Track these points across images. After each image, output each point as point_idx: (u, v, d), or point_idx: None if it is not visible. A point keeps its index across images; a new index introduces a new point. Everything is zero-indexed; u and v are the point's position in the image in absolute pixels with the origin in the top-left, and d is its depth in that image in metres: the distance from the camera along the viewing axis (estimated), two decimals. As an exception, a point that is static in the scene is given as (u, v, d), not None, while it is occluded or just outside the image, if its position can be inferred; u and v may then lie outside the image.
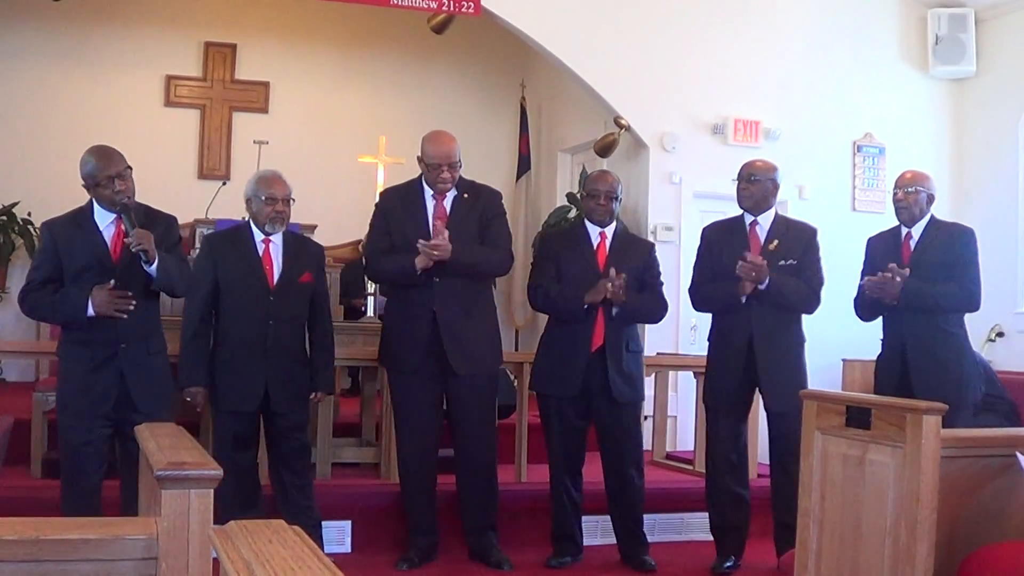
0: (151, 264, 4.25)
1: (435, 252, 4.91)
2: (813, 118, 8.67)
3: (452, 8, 7.74)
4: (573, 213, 8.71)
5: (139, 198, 4.46)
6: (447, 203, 5.16)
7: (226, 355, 4.95)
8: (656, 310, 5.43)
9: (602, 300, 5.12)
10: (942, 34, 8.88)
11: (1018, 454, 3.40)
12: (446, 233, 4.95)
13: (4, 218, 9.29)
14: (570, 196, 8.97)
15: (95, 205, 4.41)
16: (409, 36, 10.20)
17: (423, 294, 5.06)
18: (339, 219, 8.80)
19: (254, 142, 9.00)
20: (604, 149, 8.44)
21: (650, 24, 8.29)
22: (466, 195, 5.20)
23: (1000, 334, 8.30)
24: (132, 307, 4.26)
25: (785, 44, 8.63)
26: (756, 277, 5.05)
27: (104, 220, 4.39)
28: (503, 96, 10.82)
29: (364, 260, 5.44)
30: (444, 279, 5.04)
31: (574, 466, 5.38)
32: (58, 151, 9.54)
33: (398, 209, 5.22)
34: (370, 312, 7.78)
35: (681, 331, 7.85)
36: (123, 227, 4.33)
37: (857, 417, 3.52)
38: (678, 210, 8.30)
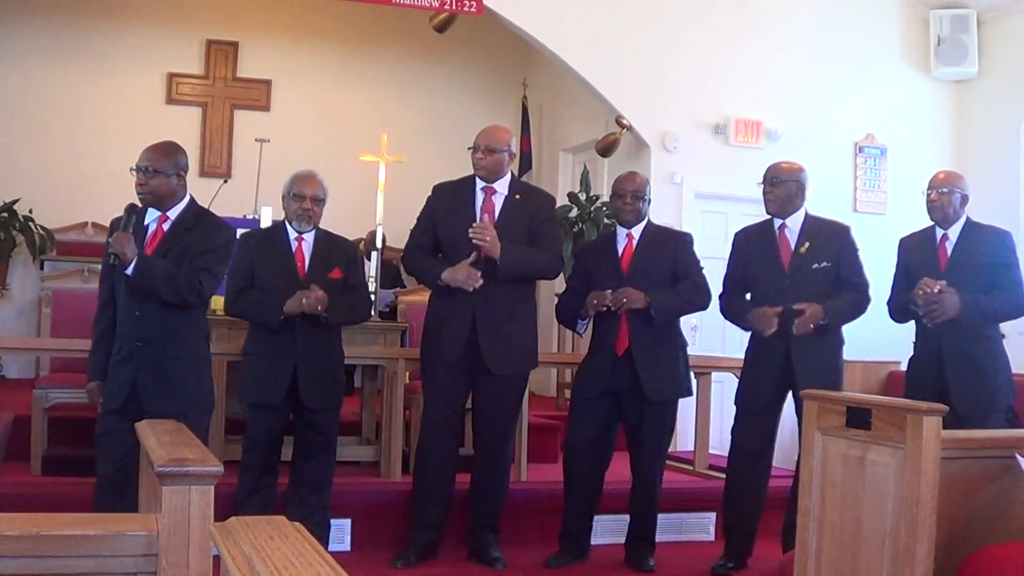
0: (128, 267, 4.22)
1: (485, 237, 4.91)
2: (815, 119, 8.66)
3: (454, 7, 7.75)
4: (574, 212, 8.70)
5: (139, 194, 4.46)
6: (496, 199, 5.16)
7: (256, 349, 5.01)
8: (697, 299, 5.34)
9: (621, 306, 5.11)
10: (944, 35, 8.88)
11: (1017, 456, 3.40)
12: (492, 228, 4.96)
13: (5, 215, 9.29)
14: (571, 196, 8.96)
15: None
16: (411, 35, 10.20)
17: (466, 293, 5.03)
18: (340, 217, 8.70)
19: (255, 140, 9.02)
20: (605, 149, 8.44)
21: (652, 24, 8.29)
22: (518, 195, 5.19)
23: (1001, 336, 8.28)
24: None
25: (787, 44, 8.63)
26: (813, 319, 5.02)
27: (148, 216, 4.43)
28: (505, 95, 10.82)
29: (404, 250, 5.45)
30: (487, 279, 5.01)
31: (596, 466, 5.36)
32: (59, 148, 9.58)
33: (446, 203, 5.22)
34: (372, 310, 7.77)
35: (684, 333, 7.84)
36: (162, 227, 4.40)
37: (857, 418, 3.51)
38: (679, 210, 8.30)
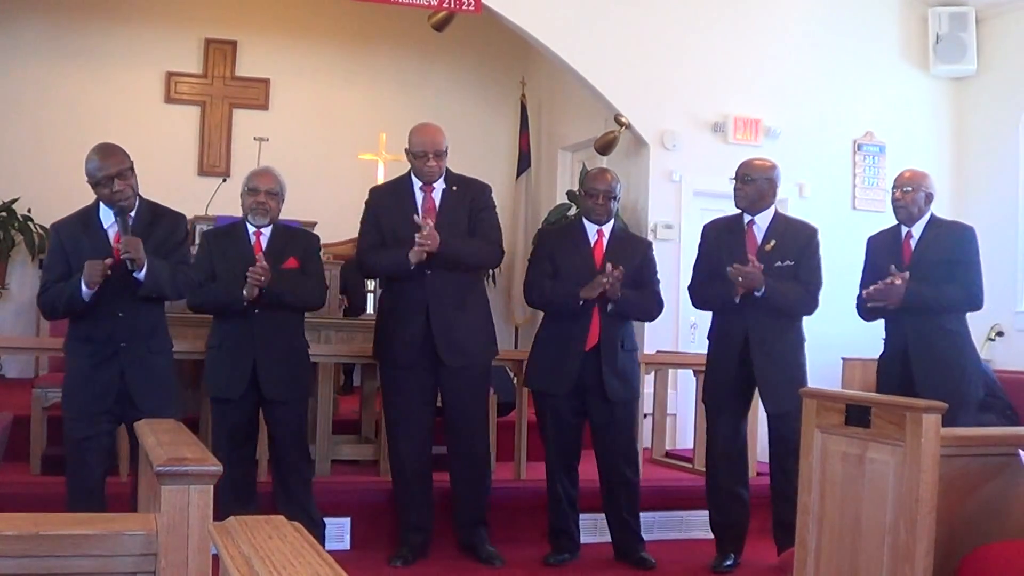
0: (140, 271, 4.25)
1: (426, 243, 4.92)
2: (814, 116, 8.66)
3: (453, 5, 7.74)
4: (573, 211, 8.70)
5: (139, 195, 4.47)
6: (436, 195, 5.18)
7: (217, 342, 5.04)
8: (651, 308, 5.41)
9: (598, 297, 5.11)
10: (943, 33, 8.88)
11: (1019, 451, 3.40)
12: (430, 223, 4.97)
13: (4, 214, 9.29)
14: (570, 194, 8.96)
15: (100, 204, 4.43)
16: (410, 33, 10.19)
17: (416, 287, 5.07)
18: (339, 216, 8.77)
19: (254, 139, 9.02)
20: (604, 147, 8.43)
21: (651, 22, 8.28)
22: (455, 187, 5.21)
23: (1000, 333, 8.30)
24: (109, 272, 4.24)
25: (786, 42, 8.63)
26: (749, 284, 5.01)
27: (108, 219, 4.42)
28: (503, 93, 10.81)
29: (357, 258, 5.43)
30: (435, 272, 5.05)
31: (570, 463, 5.37)
32: (58, 147, 9.55)
33: (387, 204, 5.23)
34: (369, 309, 7.78)
35: (681, 329, 7.85)
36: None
37: (857, 415, 3.52)
38: (678, 208, 8.30)
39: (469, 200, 5.22)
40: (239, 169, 9.61)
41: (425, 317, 5.06)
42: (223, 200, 7.98)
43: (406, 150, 5.21)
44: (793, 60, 8.63)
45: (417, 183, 5.20)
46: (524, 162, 10.41)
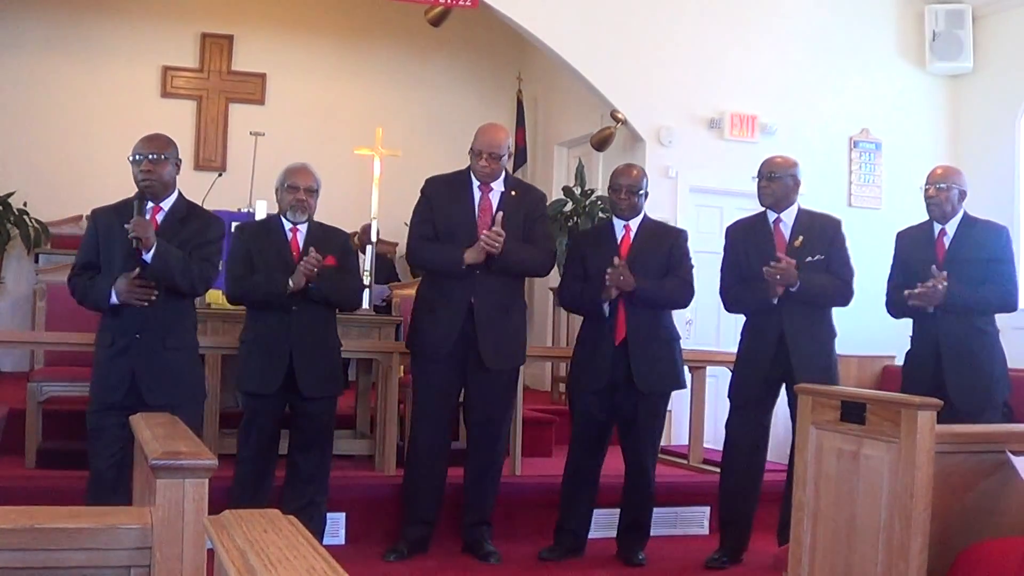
0: (147, 252, 4.26)
1: (496, 243, 4.95)
2: (810, 113, 8.66)
3: (449, 1, 7.73)
4: (569, 207, 8.70)
5: (135, 188, 4.46)
6: (493, 196, 5.19)
7: (251, 338, 5.03)
8: (679, 295, 5.34)
9: (624, 292, 5.10)
10: (939, 30, 8.88)
11: (1008, 452, 3.41)
12: (500, 230, 4.98)
13: (0, 208, 9.27)
14: (566, 190, 8.95)
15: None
16: (406, 28, 10.19)
17: (462, 285, 5.07)
18: (335, 211, 8.69)
19: (250, 133, 9.01)
20: (601, 143, 8.43)
21: (647, 18, 8.28)
22: (514, 192, 5.24)
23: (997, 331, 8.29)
24: (154, 298, 4.32)
25: (783, 39, 8.63)
26: (785, 280, 5.02)
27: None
28: (499, 89, 10.81)
29: (407, 246, 5.39)
30: (484, 273, 5.05)
31: (591, 461, 5.36)
32: (54, 141, 9.56)
33: (443, 197, 5.22)
34: (365, 304, 7.76)
35: (677, 326, 7.83)
36: (155, 218, 4.41)
37: (852, 412, 3.52)
38: (674, 204, 8.29)
39: (526, 207, 5.23)
40: (235, 164, 9.63)
41: (467, 317, 5.07)
42: (219, 195, 7.97)
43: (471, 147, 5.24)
44: (789, 57, 8.64)
45: (476, 181, 5.20)
46: (520, 158, 10.41)
